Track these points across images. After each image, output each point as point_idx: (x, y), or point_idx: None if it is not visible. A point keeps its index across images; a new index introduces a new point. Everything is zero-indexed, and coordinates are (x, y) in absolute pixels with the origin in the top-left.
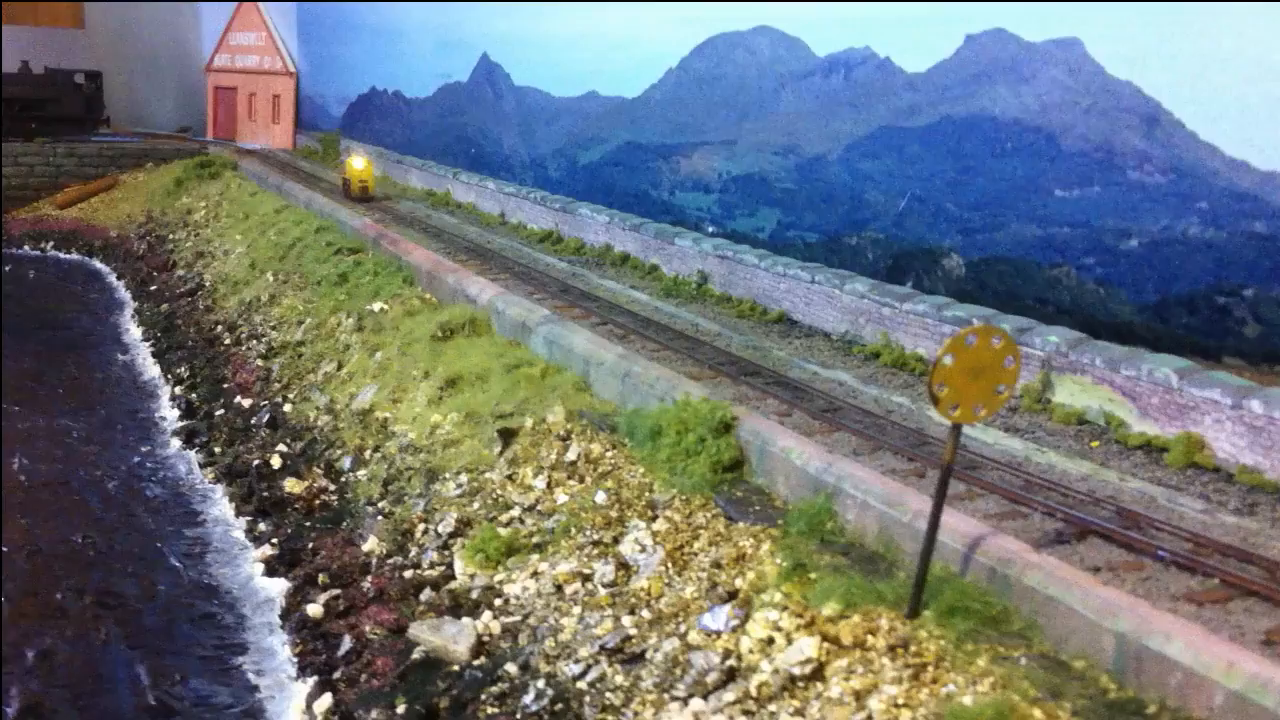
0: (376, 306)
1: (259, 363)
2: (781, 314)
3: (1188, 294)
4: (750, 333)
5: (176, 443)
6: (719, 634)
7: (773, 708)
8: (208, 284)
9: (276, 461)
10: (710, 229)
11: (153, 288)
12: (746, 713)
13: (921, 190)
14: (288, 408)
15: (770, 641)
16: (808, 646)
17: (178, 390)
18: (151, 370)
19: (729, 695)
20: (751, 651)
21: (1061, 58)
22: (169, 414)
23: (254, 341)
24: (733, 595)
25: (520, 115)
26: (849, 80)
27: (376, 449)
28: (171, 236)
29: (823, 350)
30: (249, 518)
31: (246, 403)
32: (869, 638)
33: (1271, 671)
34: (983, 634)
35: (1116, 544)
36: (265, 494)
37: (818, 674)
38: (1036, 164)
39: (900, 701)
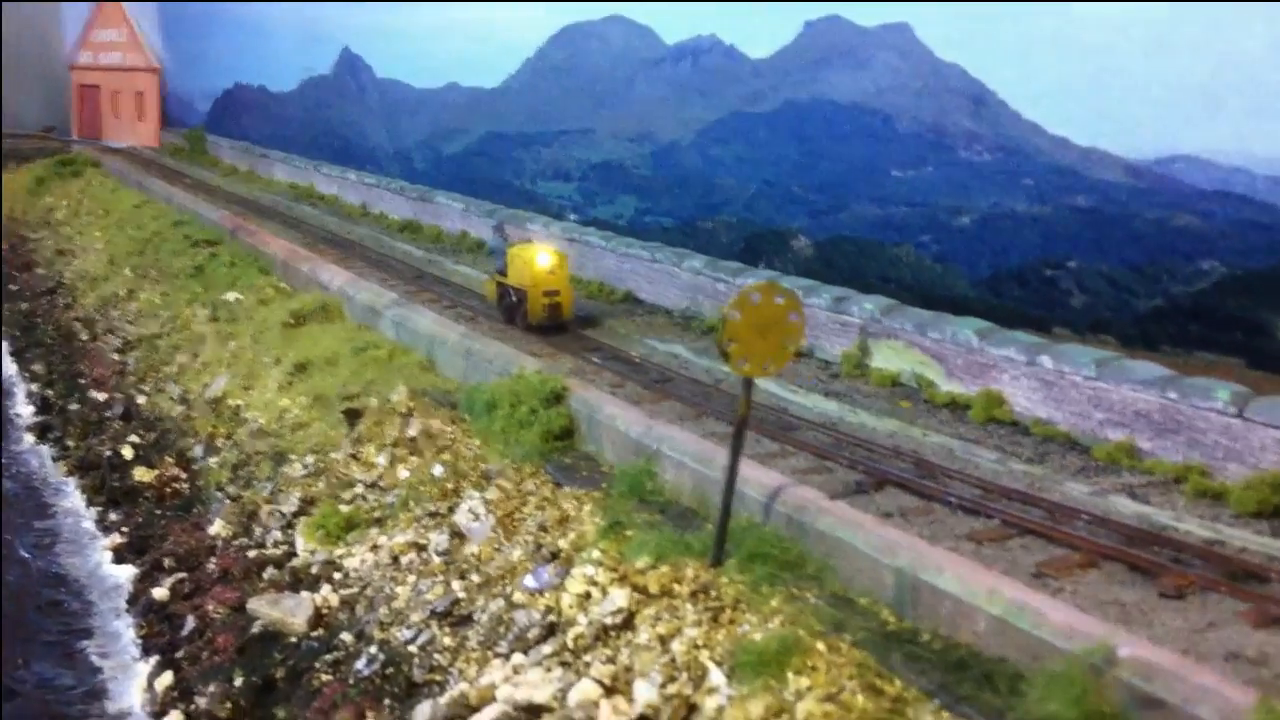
0: (231, 297)
1: (115, 357)
2: (627, 293)
3: (1018, 268)
4: (595, 312)
5: (30, 438)
6: (541, 592)
7: (587, 657)
8: (67, 281)
9: (129, 452)
10: (572, 217)
11: (13, 287)
12: (564, 663)
13: (770, 174)
14: (142, 399)
15: (587, 596)
16: (620, 598)
17: (34, 387)
18: (9, 368)
19: (547, 648)
20: (570, 607)
21: (893, 42)
22: (24, 410)
23: (111, 336)
24: (556, 555)
25: (384, 107)
26: (698, 67)
27: (228, 436)
28: (32, 236)
29: (663, 326)
30: (100, 508)
31: (102, 396)
32: (675, 586)
33: (1028, 597)
34: (779, 577)
35: (911, 492)
36: (117, 484)
37: (628, 623)
38: (874, 146)
39: (700, 642)
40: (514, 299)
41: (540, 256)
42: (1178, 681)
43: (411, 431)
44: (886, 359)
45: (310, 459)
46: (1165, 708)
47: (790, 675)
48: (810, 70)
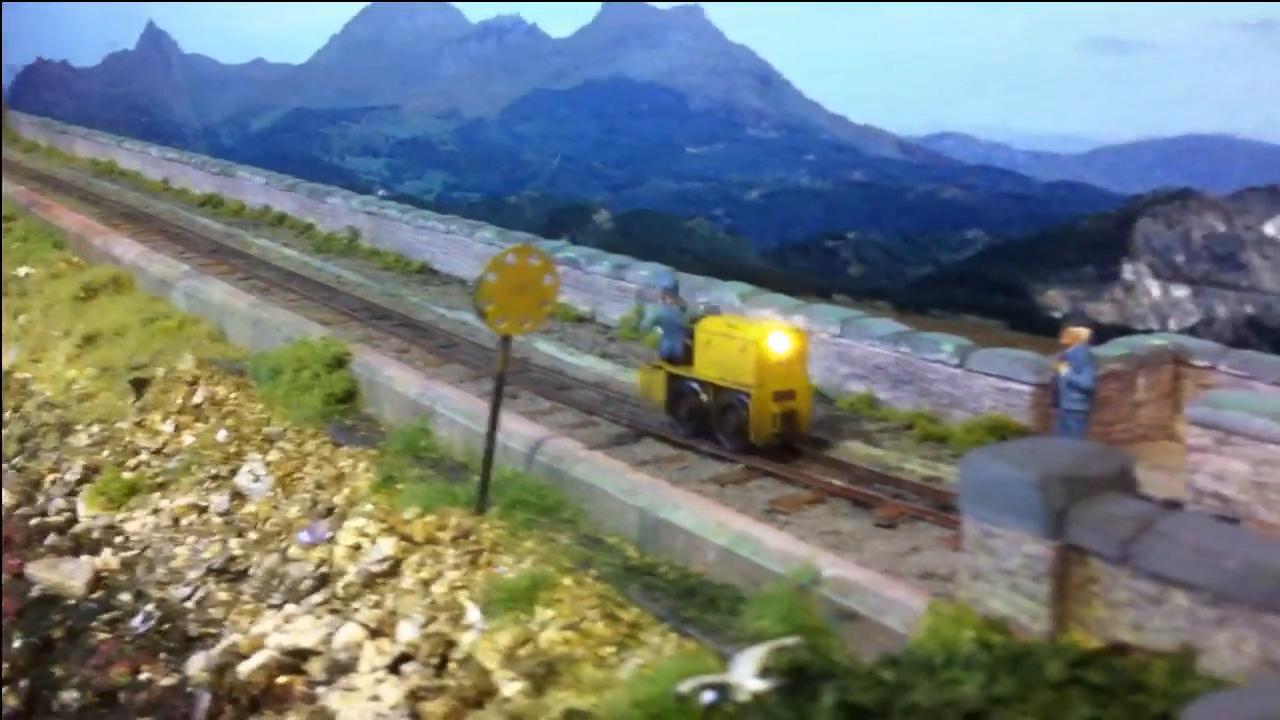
0: (22, 271)
1: None
2: (423, 264)
3: (803, 239)
4: (391, 282)
5: None
6: (315, 546)
7: (356, 604)
8: None
9: None
10: (381, 192)
11: None
12: (333, 610)
13: (572, 150)
14: None
15: (358, 548)
16: (387, 547)
17: None
18: None
19: (318, 598)
20: (342, 558)
21: (686, 23)
22: None
23: None
24: (331, 511)
25: (190, 83)
26: (502, 45)
27: (16, 409)
28: None
29: (454, 295)
30: None
31: None
32: (439, 534)
33: (751, 528)
34: (537, 521)
35: (668, 443)
36: None
37: (395, 570)
38: (670, 123)
39: (459, 584)
40: (707, 403)
41: (774, 339)
42: (872, 596)
43: (197, 399)
44: None
45: (96, 428)
46: (860, 618)
47: (538, 608)
48: (609, 49)
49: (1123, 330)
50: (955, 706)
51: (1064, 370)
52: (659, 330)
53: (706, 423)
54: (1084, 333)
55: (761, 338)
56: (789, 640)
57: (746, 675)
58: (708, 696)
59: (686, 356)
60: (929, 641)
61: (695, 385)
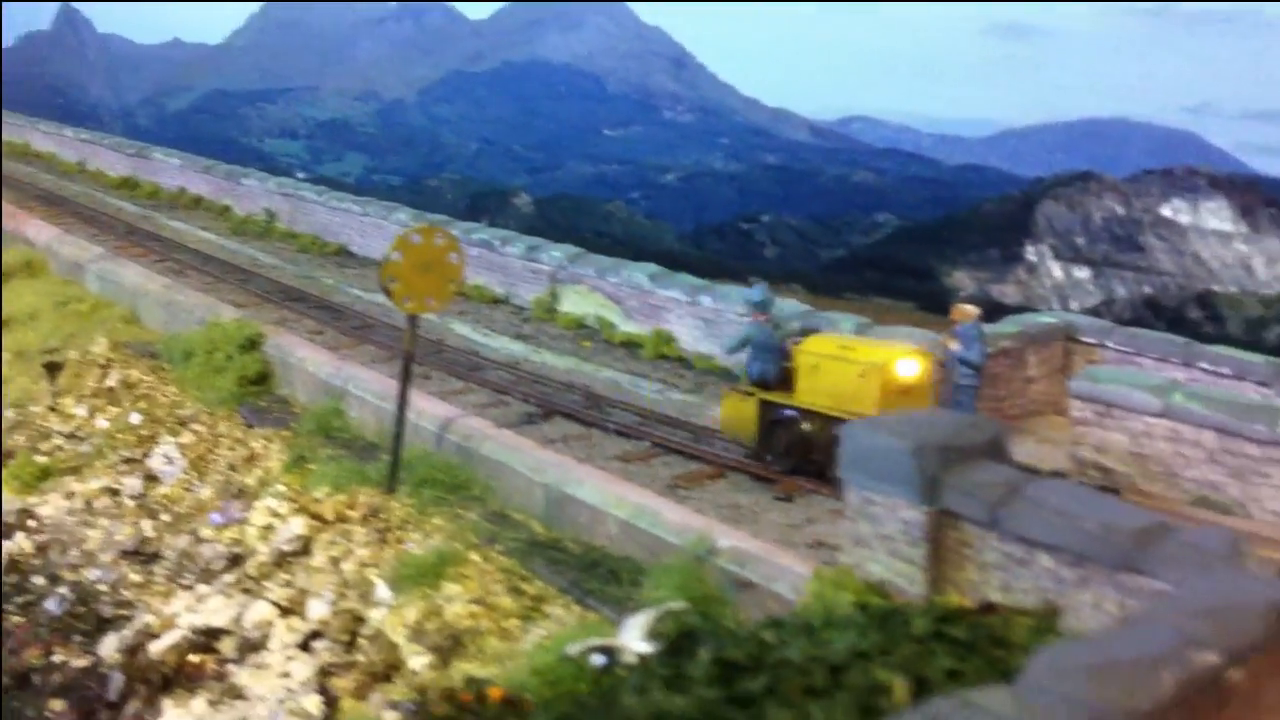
0: None
1: None
2: (340, 246)
3: (718, 222)
4: (307, 264)
5: None
6: (227, 526)
7: (267, 582)
8: None
9: None
10: (300, 174)
11: None
12: (245, 590)
13: (490, 133)
14: None
15: (270, 528)
16: (298, 526)
17: None
18: None
19: (230, 577)
20: (254, 538)
21: (602, 6)
22: None
23: None
24: (243, 492)
25: (106, 64)
26: (420, 27)
27: None
28: None
29: (371, 277)
30: None
31: None
32: (350, 512)
33: (649, 500)
34: (446, 499)
35: (577, 421)
36: None
37: (306, 548)
38: (587, 106)
39: (368, 561)
40: (810, 433)
41: (902, 365)
42: (764, 565)
43: (111, 382)
44: (574, 303)
45: (10, 413)
46: (754, 586)
47: (445, 584)
48: (526, 31)
49: (1027, 311)
50: (822, 661)
51: (954, 347)
52: (745, 353)
53: (810, 456)
54: (973, 310)
55: (889, 362)
56: (676, 605)
57: (634, 639)
58: (597, 660)
59: (783, 381)
60: (814, 605)
61: (796, 414)
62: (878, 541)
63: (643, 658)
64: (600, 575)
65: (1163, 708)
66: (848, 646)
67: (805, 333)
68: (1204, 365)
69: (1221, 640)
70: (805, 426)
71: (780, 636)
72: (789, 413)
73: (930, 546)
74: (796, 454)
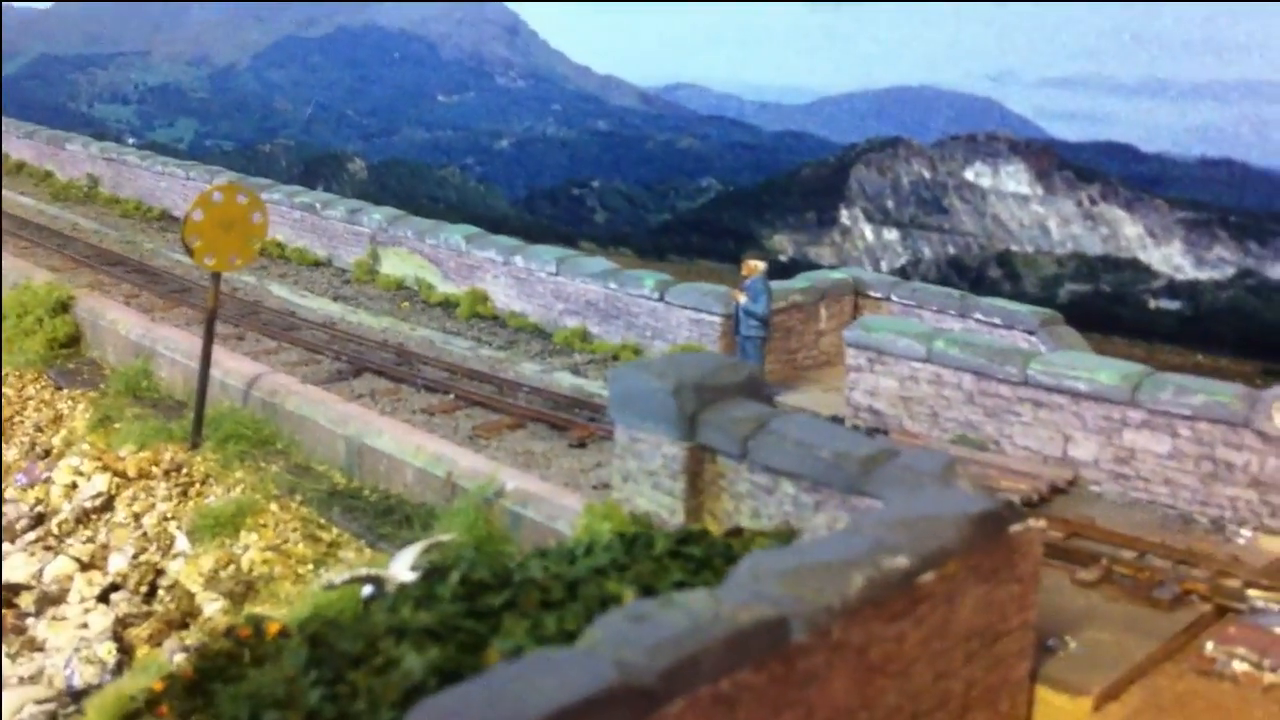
0: None
1: None
2: (164, 211)
3: (550, 188)
4: (129, 229)
5: None
6: (31, 486)
7: (69, 539)
8: None
9: None
10: (131, 141)
11: None
12: (47, 547)
13: (325, 98)
14: None
15: (74, 486)
16: (100, 483)
17: None
18: None
19: (32, 536)
20: (58, 497)
21: None
22: None
23: None
24: (49, 453)
25: None
26: None
27: None
28: None
29: None
30: None
31: None
32: (153, 469)
33: (446, 449)
34: (250, 453)
35: (387, 377)
36: None
37: (108, 505)
38: (422, 72)
39: (170, 515)
40: None
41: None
42: (547, 504)
43: None
44: (394, 265)
45: None
46: (537, 525)
47: (243, 533)
48: None
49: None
50: (561, 578)
51: (742, 300)
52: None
53: None
54: (760, 265)
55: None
56: (443, 537)
57: (402, 570)
58: (366, 590)
59: None
60: (582, 537)
61: None
62: (643, 476)
63: (403, 585)
64: (394, 520)
65: (852, 606)
66: (590, 566)
67: None
68: (978, 316)
69: (914, 546)
70: None
71: (543, 563)
72: None
73: (689, 479)
74: None
